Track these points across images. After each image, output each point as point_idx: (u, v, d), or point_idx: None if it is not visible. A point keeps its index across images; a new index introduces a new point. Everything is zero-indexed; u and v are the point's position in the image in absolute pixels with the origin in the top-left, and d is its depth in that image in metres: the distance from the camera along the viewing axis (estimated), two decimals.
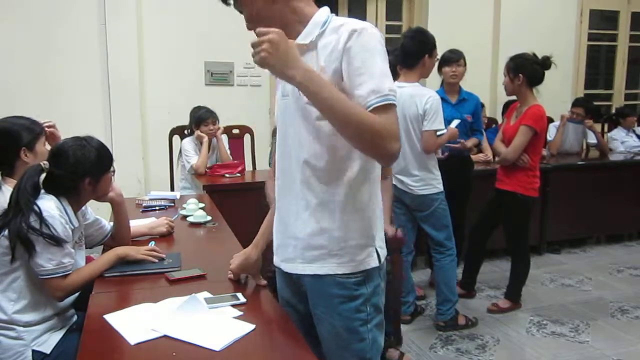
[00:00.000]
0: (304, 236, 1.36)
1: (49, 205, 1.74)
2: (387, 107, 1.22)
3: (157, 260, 1.90)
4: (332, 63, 1.26)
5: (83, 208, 1.97)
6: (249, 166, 4.32)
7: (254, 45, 1.19)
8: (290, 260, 1.41)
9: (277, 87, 1.43)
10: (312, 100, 1.21)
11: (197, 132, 3.88)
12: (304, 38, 1.31)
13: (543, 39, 4.95)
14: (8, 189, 1.84)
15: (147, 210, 2.78)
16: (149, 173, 4.56)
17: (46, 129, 2.14)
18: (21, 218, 1.67)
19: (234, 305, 1.54)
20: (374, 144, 1.21)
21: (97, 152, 1.85)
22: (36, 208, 1.70)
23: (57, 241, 1.69)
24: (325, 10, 1.35)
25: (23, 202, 1.70)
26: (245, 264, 1.64)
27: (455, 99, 3.54)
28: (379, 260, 1.39)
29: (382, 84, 1.22)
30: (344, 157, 1.31)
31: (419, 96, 2.92)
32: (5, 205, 1.74)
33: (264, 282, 1.68)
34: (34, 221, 1.68)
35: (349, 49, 1.23)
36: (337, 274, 1.34)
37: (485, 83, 5.39)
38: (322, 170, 1.31)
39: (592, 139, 5.14)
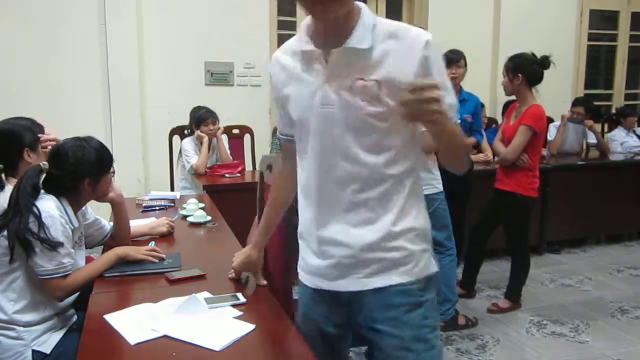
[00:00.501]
0: (359, 252, 1.27)
1: (48, 205, 1.74)
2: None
3: (157, 260, 1.90)
4: (406, 74, 1.15)
5: (83, 208, 1.97)
6: (249, 166, 4.32)
7: (415, 102, 1.06)
8: (340, 277, 1.30)
9: (297, 90, 1.29)
10: (445, 138, 1.20)
11: (197, 132, 3.88)
12: (359, 42, 1.17)
13: (543, 39, 4.95)
14: (11, 188, 1.84)
15: (147, 210, 2.78)
16: (149, 173, 4.56)
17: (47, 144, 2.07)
18: (20, 219, 1.68)
19: (234, 305, 1.54)
20: (466, 161, 1.30)
21: (96, 152, 1.85)
22: (35, 210, 1.70)
23: (53, 246, 1.69)
24: (367, 9, 1.23)
25: (22, 203, 1.70)
26: (247, 262, 1.64)
27: (456, 99, 3.53)
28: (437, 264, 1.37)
29: (454, 98, 1.25)
30: (405, 170, 1.26)
31: None
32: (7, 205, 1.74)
33: (264, 282, 1.68)
34: (32, 223, 1.68)
35: (426, 61, 1.17)
36: (400, 283, 1.28)
37: (485, 83, 5.39)
38: (379, 184, 1.24)
39: (592, 139, 5.14)
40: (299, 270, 1.42)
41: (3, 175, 1.98)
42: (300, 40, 1.26)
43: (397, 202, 1.26)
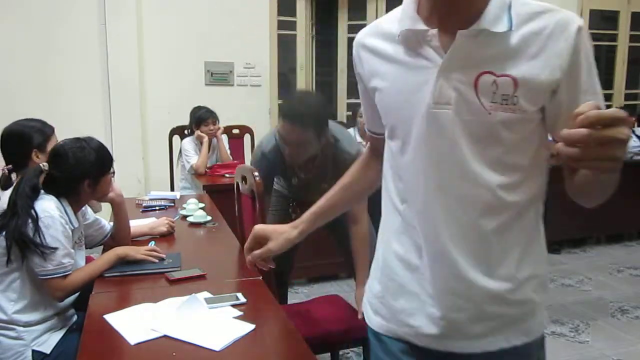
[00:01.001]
0: (477, 304, 0.97)
1: (49, 205, 1.74)
2: None
3: (157, 260, 1.90)
4: (551, 72, 0.88)
5: (83, 208, 1.97)
6: None
7: (594, 143, 0.70)
8: (446, 336, 1.00)
9: (395, 86, 0.98)
10: (604, 177, 0.88)
11: (197, 132, 3.88)
12: (493, 23, 0.88)
13: None
14: None
15: (147, 210, 2.78)
16: (149, 173, 4.56)
17: None
18: (17, 221, 1.68)
19: (234, 305, 1.54)
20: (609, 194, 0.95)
21: (96, 153, 1.85)
22: (33, 213, 1.70)
23: (47, 252, 1.68)
24: None
25: (20, 204, 1.70)
26: (276, 234, 1.20)
27: None
28: None
29: (604, 106, 0.90)
30: (527, 198, 0.97)
31: None
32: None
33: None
34: (28, 226, 1.68)
35: (577, 56, 0.89)
36: (519, 345, 1.00)
37: None
38: (498, 214, 0.95)
39: None
40: (369, 312, 1.11)
41: (14, 175, 2.01)
42: (404, 18, 0.96)
43: (518, 239, 0.98)
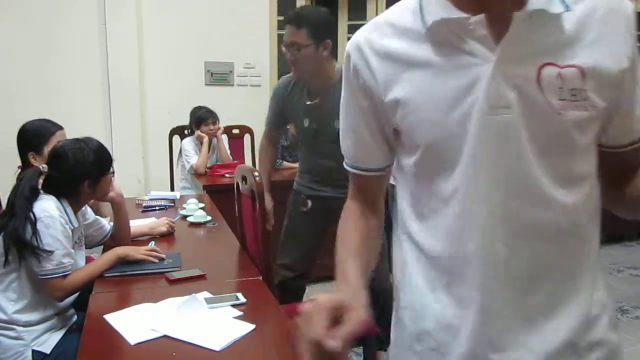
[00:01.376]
0: (547, 356, 0.79)
1: (48, 205, 1.74)
2: None
3: (157, 260, 1.90)
4: (617, 58, 0.74)
5: (83, 208, 1.98)
6: None
7: None
8: None
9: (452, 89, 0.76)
10: None
11: (197, 132, 3.88)
12: (547, 3, 0.71)
13: None
14: None
15: (147, 210, 2.78)
16: (149, 173, 4.56)
17: None
18: (15, 222, 1.68)
19: (234, 305, 1.54)
20: None
21: (95, 154, 1.85)
22: (31, 215, 1.70)
23: (43, 255, 1.68)
24: None
25: (18, 205, 1.71)
26: (349, 303, 0.75)
27: None
28: None
29: None
30: (597, 210, 0.82)
31: None
32: None
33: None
34: (26, 229, 1.68)
35: (635, 41, 0.76)
36: None
37: None
38: (568, 240, 0.78)
39: None
40: None
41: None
42: (429, 8, 0.76)
43: (589, 266, 0.82)
